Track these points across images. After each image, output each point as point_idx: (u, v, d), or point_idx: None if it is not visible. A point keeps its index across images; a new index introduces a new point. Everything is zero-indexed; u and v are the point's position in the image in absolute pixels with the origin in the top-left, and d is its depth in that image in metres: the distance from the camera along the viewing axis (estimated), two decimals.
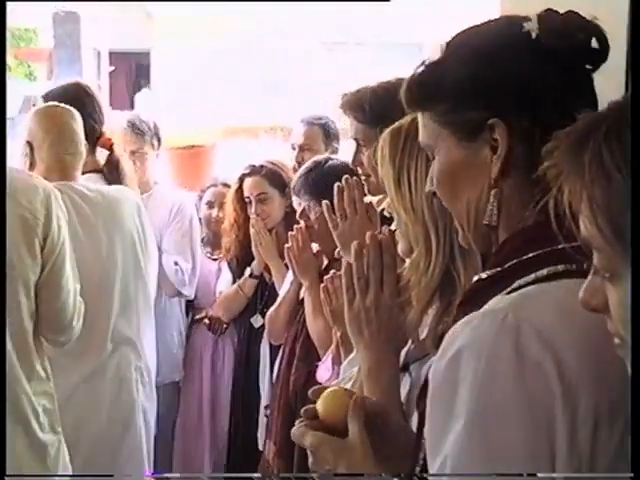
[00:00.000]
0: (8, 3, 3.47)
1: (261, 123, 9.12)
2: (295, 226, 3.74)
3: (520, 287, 1.35)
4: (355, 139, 2.93)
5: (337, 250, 3.15)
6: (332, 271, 2.95)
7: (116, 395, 4.06)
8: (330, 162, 3.84)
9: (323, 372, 3.26)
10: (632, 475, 1.20)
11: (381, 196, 2.73)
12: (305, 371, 3.69)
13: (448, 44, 1.50)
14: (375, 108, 2.69)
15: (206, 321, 4.87)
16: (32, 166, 3.73)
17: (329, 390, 1.72)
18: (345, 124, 5.51)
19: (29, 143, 3.70)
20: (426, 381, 1.44)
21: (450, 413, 1.29)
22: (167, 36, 16.94)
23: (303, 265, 3.71)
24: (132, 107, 14.31)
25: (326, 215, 2.72)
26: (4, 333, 3.10)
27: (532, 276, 1.35)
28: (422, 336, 1.97)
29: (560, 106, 1.39)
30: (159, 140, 5.00)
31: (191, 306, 5.04)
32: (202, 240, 5.06)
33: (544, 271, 1.35)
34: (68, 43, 16.38)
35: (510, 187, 1.44)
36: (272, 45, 17.03)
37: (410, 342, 2.02)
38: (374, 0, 3.91)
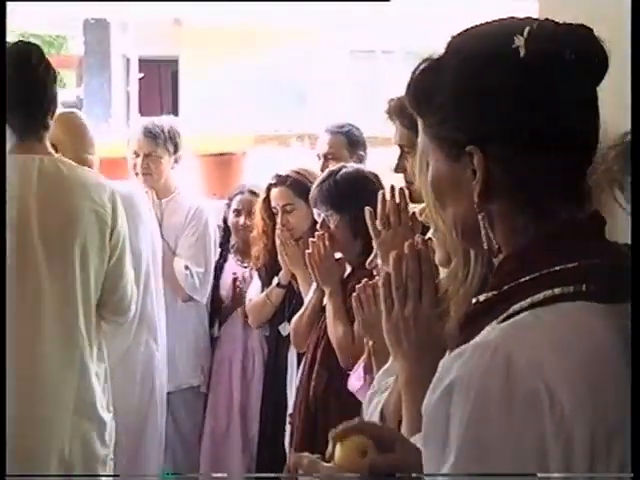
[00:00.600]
0: (8, 3, 3.54)
1: (291, 131, 9.11)
2: (316, 233, 3.77)
3: (515, 313, 1.32)
4: (400, 145, 2.90)
5: (369, 260, 3.14)
6: (364, 280, 2.95)
7: (143, 375, 4.46)
8: (343, 171, 3.86)
9: (354, 381, 3.25)
10: (632, 475, 1.21)
11: (424, 204, 2.72)
12: (325, 377, 3.74)
13: (447, 47, 1.46)
14: None
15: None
16: None
17: (352, 440, 1.66)
18: (373, 132, 5.55)
19: (54, 146, 3.81)
20: None
21: (443, 448, 1.27)
22: (196, 43, 16.99)
23: (325, 272, 3.74)
24: (161, 113, 14.36)
25: (368, 223, 2.71)
26: (4, 328, 3.17)
27: (528, 301, 1.32)
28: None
29: (549, 131, 1.35)
30: (175, 145, 4.99)
31: (218, 311, 5.05)
32: (232, 247, 5.08)
33: (540, 295, 1.31)
34: (98, 50, 16.47)
35: (496, 211, 1.41)
36: (301, 53, 17.07)
37: (448, 352, 2.01)
38: (374, 0, 3.85)
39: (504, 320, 1.32)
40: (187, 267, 4.80)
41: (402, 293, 2.00)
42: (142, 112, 13.91)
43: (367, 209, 2.87)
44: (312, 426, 3.74)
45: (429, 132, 1.46)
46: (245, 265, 5.00)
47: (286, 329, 4.44)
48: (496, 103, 1.35)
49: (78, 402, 3.48)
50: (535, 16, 1.45)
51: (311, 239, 3.79)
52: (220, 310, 5.04)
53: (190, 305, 4.93)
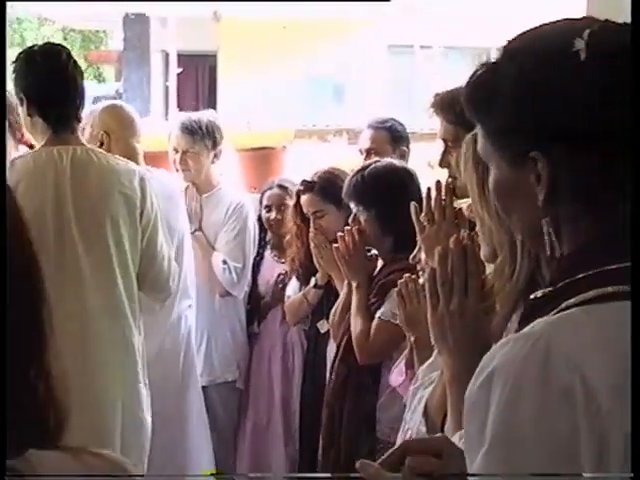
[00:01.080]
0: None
1: (329, 126, 9.15)
2: (346, 228, 3.77)
3: (567, 308, 1.32)
4: (444, 139, 2.89)
5: (412, 255, 3.14)
6: (405, 275, 2.94)
7: (185, 349, 4.68)
8: (372, 166, 3.85)
9: (396, 376, 3.26)
10: (632, 475, 1.20)
11: (468, 199, 2.70)
12: (344, 373, 3.78)
13: (503, 52, 1.44)
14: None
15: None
16: (110, 152, 4.12)
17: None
18: (414, 127, 5.55)
19: (107, 134, 4.33)
20: None
21: (481, 432, 1.28)
22: (234, 38, 17.02)
23: (352, 266, 3.74)
24: (199, 108, 14.39)
25: (413, 218, 2.70)
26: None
27: (580, 297, 1.32)
28: None
29: (607, 132, 1.33)
30: (214, 140, 4.98)
31: (257, 308, 5.06)
32: (268, 243, 5.08)
33: (590, 293, 1.31)
34: (137, 45, 16.54)
35: (561, 215, 1.40)
36: (340, 48, 17.07)
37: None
38: (375, 0, 3.81)
39: (555, 315, 1.32)
40: (225, 262, 4.81)
41: (448, 288, 2.00)
42: (181, 107, 13.97)
43: (412, 204, 2.87)
44: (331, 421, 3.80)
45: (490, 139, 1.45)
46: (282, 261, 4.99)
47: (324, 326, 4.44)
48: (558, 108, 1.34)
49: (124, 373, 3.72)
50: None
51: (339, 233, 3.79)
52: (259, 306, 5.04)
53: (227, 300, 4.94)
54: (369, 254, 3.79)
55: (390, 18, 16.55)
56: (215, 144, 4.97)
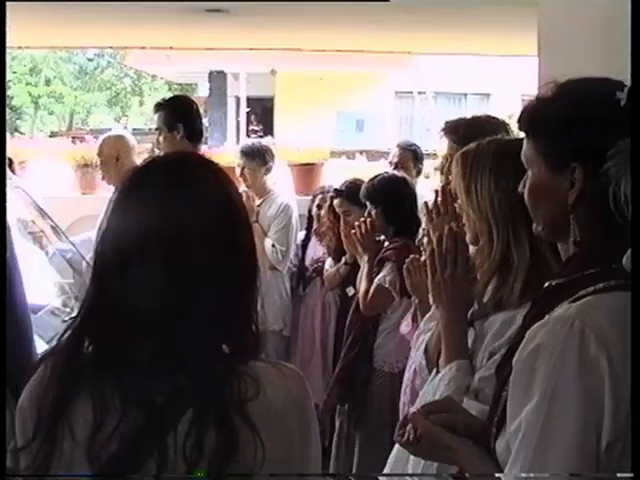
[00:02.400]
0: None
1: (353, 148, 9.16)
2: (361, 219, 3.76)
3: (582, 297, 1.30)
4: (449, 155, 2.82)
5: (418, 239, 3.12)
6: (411, 255, 2.90)
7: None
8: (380, 176, 3.87)
9: (404, 327, 3.26)
10: (632, 475, 1.16)
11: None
12: (355, 318, 3.78)
13: (558, 88, 1.41)
14: (466, 133, 2.60)
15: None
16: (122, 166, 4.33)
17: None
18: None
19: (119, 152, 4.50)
20: (504, 361, 1.43)
21: (527, 391, 1.27)
22: (286, 86, 17.02)
23: (365, 245, 3.71)
24: (261, 137, 14.45)
25: (424, 211, 2.67)
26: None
27: (592, 288, 1.30)
28: (484, 301, 1.94)
29: (621, 155, 1.30)
30: (264, 160, 4.92)
31: (304, 277, 5.05)
32: (314, 231, 5.06)
33: (601, 285, 1.30)
34: (218, 93, 16.58)
35: (583, 214, 1.37)
36: (361, 93, 17.04)
37: (476, 305, 1.98)
38: (374, 0, 3.78)
39: (574, 301, 1.31)
40: (273, 245, 4.84)
41: (442, 262, 1.99)
42: (249, 136, 13.98)
43: (425, 202, 2.83)
44: (345, 354, 3.83)
45: (538, 149, 1.41)
46: (323, 244, 4.98)
47: (350, 291, 4.43)
48: (597, 133, 1.32)
49: None
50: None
51: (356, 222, 3.79)
52: (304, 276, 5.03)
53: (275, 273, 4.93)
54: (378, 238, 3.76)
55: (396, 73, 16.51)
56: (265, 162, 4.94)
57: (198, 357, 1.21)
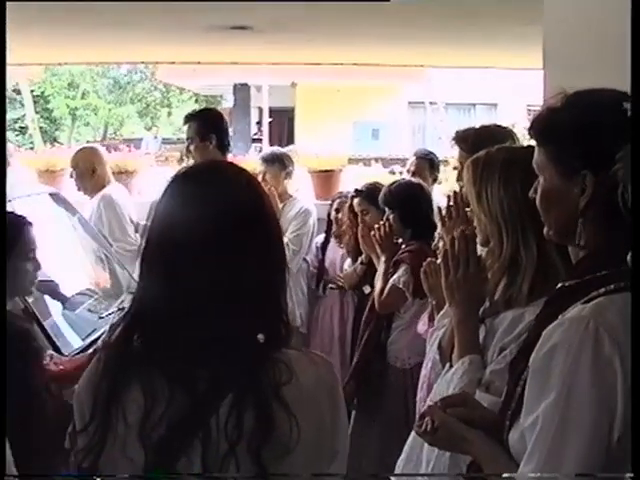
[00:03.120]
0: None
1: (369, 156, 9.18)
2: (380, 222, 3.74)
3: (594, 297, 1.29)
4: (460, 162, 2.81)
5: (434, 244, 3.10)
6: (428, 259, 2.87)
7: None
8: (397, 183, 3.87)
9: (421, 326, 3.24)
10: (632, 475, 1.15)
11: None
12: (370, 316, 3.74)
13: (568, 98, 1.39)
14: (475, 141, 2.58)
15: (333, 286, 4.86)
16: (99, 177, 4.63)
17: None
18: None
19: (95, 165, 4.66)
20: (518, 357, 1.42)
21: (543, 389, 1.26)
22: (306, 98, 17.02)
23: (384, 246, 3.69)
24: (282, 145, 14.46)
25: (438, 216, 2.66)
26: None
27: (603, 289, 1.29)
28: (495, 299, 1.94)
29: (629, 158, 1.28)
30: (283, 164, 4.91)
31: (323, 277, 5.03)
32: (333, 233, 5.04)
33: (612, 286, 1.29)
34: (242, 104, 16.59)
35: (592, 217, 1.35)
36: (376, 104, 17.02)
37: (487, 303, 1.98)
38: (375, 0, 3.73)
39: (587, 302, 1.29)
40: (287, 244, 4.82)
41: (455, 263, 1.98)
42: (271, 143, 14.00)
43: (437, 206, 2.82)
44: (362, 350, 3.80)
45: (548, 156, 1.39)
46: (342, 246, 4.96)
47: (367, 289, 4.41)
48: (607, 141, 1.30)
49: None
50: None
51: (376, 225, 3.77)
52: (323, 278, 5.01)
53: (291, 273, 4.92)
54: (395, 241, 3.75)
55: (409, 85, 16.47)
56: (284, 166, 4.93)
57: (236, 347, 1.26)
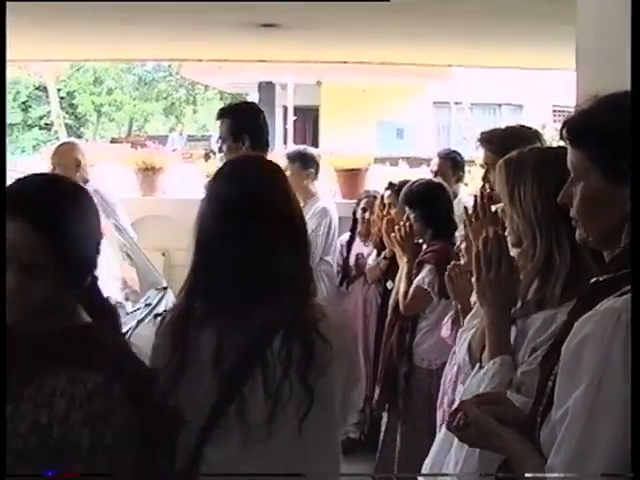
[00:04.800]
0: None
1: (395, 155, 9.17)
2: (401, 222, 3.75)
3: (627, 292, 1.28)
4: (485, 163, 2.81)
5: (457, 246, 3.09)
6: (452, 262, 2.86)
7: None
8: (418, 182, 3.88)
9: (445, 331, 3.23)
10: (632, 475, 1.14)
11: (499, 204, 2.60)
12: (394, 317, 3.75)
13: (608, 100, 1.36)
14: (501, 142, 2.58)
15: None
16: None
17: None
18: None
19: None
20: (550, 352, 1.42)
21: (574, 379, 1.26)
22: (330, 97, 17.02)
23: (404, 248, 3.71)
24: (307, 143, 14.46)
25: (464, 217, 2.66)
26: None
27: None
28: (527, 299, 1.93)
29: None
30: (304, 164, 4.89)
31: (347, 275, 5.03)
32: (358, 232, 5.05)
33: None
34: (266, 102, 16.57)
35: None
36: (401, 104, 17.00)
37: (519, 304, 1.97)
38: (375, 0, 3.68)
39: (620, 296, 1.28)
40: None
41: (487, 263, 1.97)
42: (296, 142, 14.01)
43: (464, 206, 2.81)
44: (387, 351, 3.81)
45: (593, 160, 1.35)
46: (366, 244, 4.97)
47: (390, 284, 4.42)
48: None
49: None
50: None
51: (396, 226, 3.77)
52: (348, 274, 5.02)
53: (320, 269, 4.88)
54: (416, 241, 3.75)
55: (434, 85, 16.43)
56: (306, 167, 4.91)
57: (283, 297, 1.66)
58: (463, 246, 3.16)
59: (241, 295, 1.64)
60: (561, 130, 1.43)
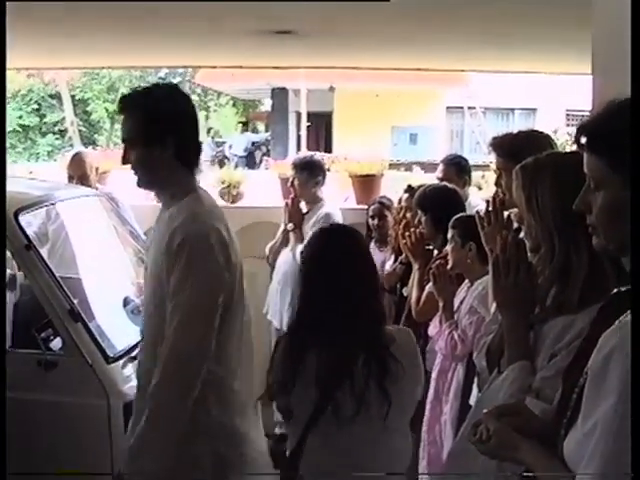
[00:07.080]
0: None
1: (408, 160, 9.17)
2: (411, 229, 3.76)
3: None
4: (498, 168, 2.81)
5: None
6: (437, 261, 2.93)
7: None
8: (431, 187, 3.89)
9: (432, 328, 3.34)
10: (632, 475, 1.13)
11: (512, 209, 2.60)
12: (407, 323, 3.70)
13: (618, 108, 1.31)
14: (512, 147, 2.58)
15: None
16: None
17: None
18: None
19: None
20: (573, 365, 1.42)
21: (601, 393, 1.25)
22: (343, 102, 17.02)
23: (415, 253, 3.74)
24: (320, 150, 14.46)
25: (477, 221, 2.66)
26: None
27: None
28: (546, 305, 1.93)
29: None
30: (312, 172, 4.95)
31: None
32: (373, 238, 5.05)
33: None
34: (280, 108, 16.67)
35: None
36: (414, 108, 16.98)
37: (537, 309, 1.97)
38: (375, 0, 3.66)
39: None
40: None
41: (506, 268, 1.97)
42: (309, 148, 14.02)
43: (476, 211, 2.82)
44: None
45: (615, 168, 1.30)
46: (382, 250, 4.97)
47: (405, 291, 4.42)
48: None
49: None
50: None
51: (406, 233, 3.78)
52: None
53: None
54: (427, 247, 3.75)
55: (447, 89, 16.42)
56: (313, 175, 4.96)
57: (363, 327, 2.24)
58: (449, 247, 3.21)
59: (333, 327, 2.21)
60: (577, 136, 1.39)
